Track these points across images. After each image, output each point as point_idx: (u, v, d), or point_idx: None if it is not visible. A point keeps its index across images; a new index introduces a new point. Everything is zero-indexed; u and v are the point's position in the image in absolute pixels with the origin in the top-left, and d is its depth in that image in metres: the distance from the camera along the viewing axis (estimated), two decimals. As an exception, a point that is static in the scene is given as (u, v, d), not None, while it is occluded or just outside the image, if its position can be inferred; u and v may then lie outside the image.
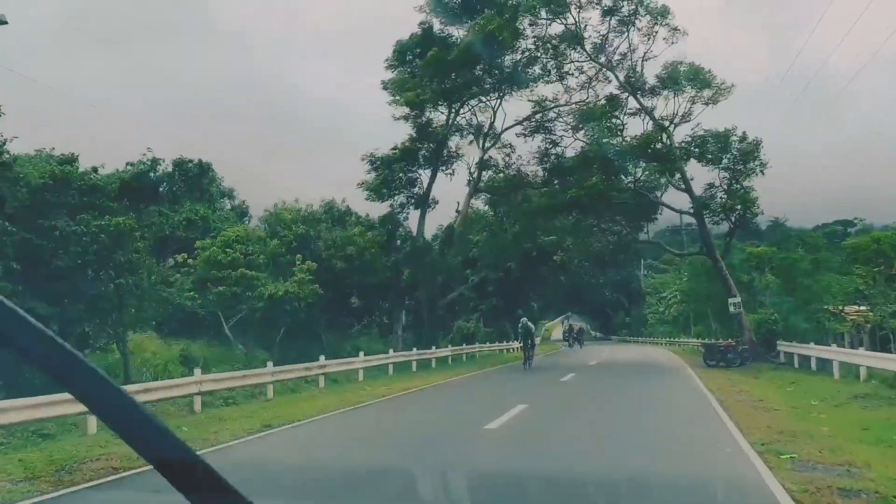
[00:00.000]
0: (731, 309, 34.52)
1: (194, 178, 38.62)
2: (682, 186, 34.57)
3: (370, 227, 35.27)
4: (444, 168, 42.17)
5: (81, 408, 7.60)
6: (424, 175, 39.23)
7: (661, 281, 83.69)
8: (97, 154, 52.85)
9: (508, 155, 43.56)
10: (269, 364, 19.51)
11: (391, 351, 28.81)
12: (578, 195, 32.96)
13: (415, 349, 32.19)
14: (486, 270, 47.53)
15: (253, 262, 25.44)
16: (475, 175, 42.93)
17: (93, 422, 12.76)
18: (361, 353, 25.71)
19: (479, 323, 66.82)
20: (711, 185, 34.57)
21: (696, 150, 33.81)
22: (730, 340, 33.97)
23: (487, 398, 18.83)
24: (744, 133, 33.57)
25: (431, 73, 35.40)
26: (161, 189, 39.26)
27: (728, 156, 33.60)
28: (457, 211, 42.99)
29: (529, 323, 32.81)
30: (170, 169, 38.75)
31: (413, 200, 38.24)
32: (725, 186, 34.12)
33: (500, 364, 36.02)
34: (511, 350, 52.61)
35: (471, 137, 43.18)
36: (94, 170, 40.21)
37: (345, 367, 24.52)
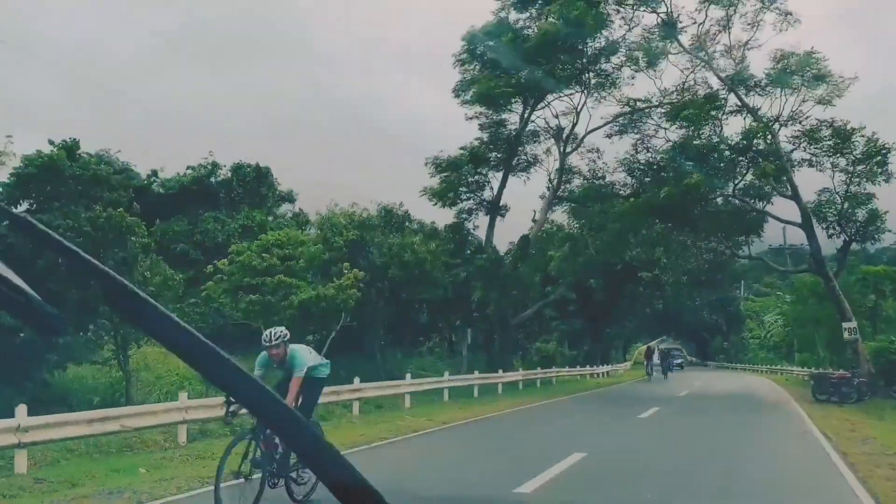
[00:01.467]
0: (846, 335, 29.83)
1: (251, 184, 36.54)
2: (788, 192, 30.12)
3: (432, 234, 32.25)
4: (517, 173, 38.89)
5: None
6: (496, 181, 35.99)
7: (762, 304, 77.75)
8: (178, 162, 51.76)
9: (593, 161, 39.90)
10: (286, 386, 16.57)
11: (446, 374, 25.59)
12: (672, 195, 28.91)
13: (476, 372, 28.85)
14: (565, 288, 43.74)
15: (292, 269, 22.71)
16: (554, 182, 39.45)
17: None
18: (408, 376, 22.59)
19: (562, 345, 62.95)
20: (825, 190, 30.00)
21: (809, 143, 29.35)
22: (843, 371, 29.28)
23: (539, 440, 15.22)
24: (873, 134, 28.98)
25: (506, 64, 32.16)
26: (222, 195, 37.47)
27: (849, 156, 28.99)
28: (533, 220, 39.56)
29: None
30: (229, 175, 36.91)
31: (483, 206, 35.02)
32: (842, 191, 29.46)
33: (577, 392, 32.23)
34: (596, 375, 48.64)
35: (549, 143, 39.87)
36: (154, 173, 39.36)
37: (388, 391, 21.45)
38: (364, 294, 28.39)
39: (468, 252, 32.80)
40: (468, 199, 35.06)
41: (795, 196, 30.06)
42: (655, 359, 57.24)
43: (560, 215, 44.12)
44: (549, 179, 39.54)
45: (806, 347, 50.78)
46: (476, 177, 34.95)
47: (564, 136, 38.88)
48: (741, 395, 29.76)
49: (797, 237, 65.33)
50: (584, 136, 39.09)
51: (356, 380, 19.56)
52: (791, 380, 45.62)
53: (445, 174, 33.33)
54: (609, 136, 37.06)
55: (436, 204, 33.61)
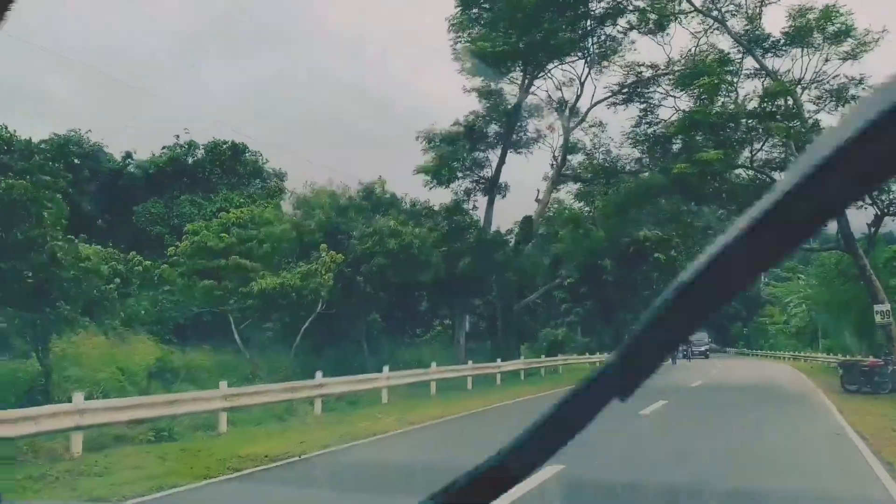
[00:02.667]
0: (878, 319, 27.06)
1: (228, 162, 34.14)
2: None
3: (426, 214, 29.68)
4: (519, 149, 36.26)
5: None
6: (495, 158, 33.36)
7: (784, 289, 74.78)
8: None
9: (597, 136, 37.25)
10: (223, 385, 14.14)
11: (433, 365, 23.13)
12: (683, 172, 26.15)
13: (470, 362, 26.37)
14: (573, 271, 41.08)
15: (252, 251, 20.26)
16: (558, 158, 36.83)
17: None
18: (385, 368, 20.10)
19: (573, 331, 60.16)
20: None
21: (836, 103, 26.43)
22: (876, 359, 26.51)
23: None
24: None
25: (505, 23, 29.44)
26: (200, 175, 35.15)
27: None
28: (536, 200, 36.94)
29: None
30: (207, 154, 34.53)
31: (482, 184, 32.41)
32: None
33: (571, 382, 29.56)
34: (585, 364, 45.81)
35: (552, 118, 37.21)
36: (129, 155, 37.06)
37: (361, 385, 19.01)
38: (348, 279, 26.07)
39: (465, 234, 30.16)
40: (465, 177, 32.46)
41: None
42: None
43: (566, 195, 41.57)
44: (553, 156, 36.97)
45: (832, 333, 47.87)
46: (474, 153, 32.31)
47: (568, 108, 36.27)
48: (761, 386, 27.03)
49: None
50: (589, 109, 36.55)
51: (318, 374, 17.11)
52: (816, 367, 42.71)
53: (440, 149, 30.69)
54: (613, 105, 34.35)
55: (430, 184, 31.05)
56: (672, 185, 28.36)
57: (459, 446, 12.37)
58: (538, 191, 36.85)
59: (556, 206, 41.36)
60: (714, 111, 26.31)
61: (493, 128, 32.10)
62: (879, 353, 33.83)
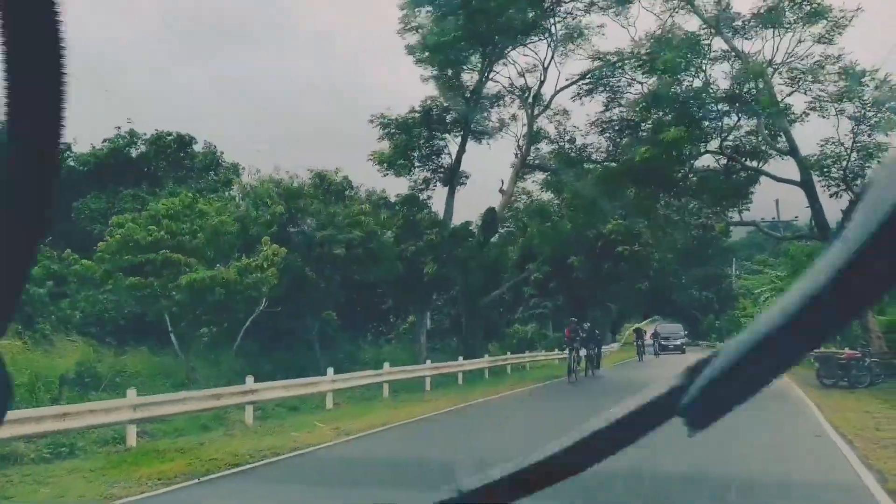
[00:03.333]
0: (854, 308, 25.90)
1: (174, 155, 32.26)
2: (785, 145, 26.06)
3: (377, 205, 28.05)
4: (481, 138, 34.78)
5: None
6: (455, 146, 31.78)
7: (755, 282, 74.06)
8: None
9: (561, 123, 35.90)
10: (132, 393, 12.45)
11: (386, 366, 21.54)
12: (652, 156, 24.72)
13: (429, 361, 24.86)
14: (541, 265, 39.68)
15: (184, 243, 18.56)
16: (522, 148, 35.40)
17: None
18: (329, 371, 18.45)
19: (544, 327, 58.83)
20: (829, 141, 25.83)
21: (812, 82, 25.18)
22: (852, 350, 25.40)
23: (436, 469, 10.81)
24: (886, 76, 24.70)
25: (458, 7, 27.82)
26: (145, 169, 33.26)
27: (857, 102, 24.75)
28: (501, 191, 35.43)
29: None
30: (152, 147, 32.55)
31: (440, 174, 30.82)
32: (849, 142, 25.27)
33: (547, 379, 28.14)
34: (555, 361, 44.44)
35: (516, 107, 35.78)
36: (68, 147, 35.00)
37: (301, 390, 17.37)
38: (297, 274, 24.46)
39: (421, 227, 28.52)
40: (423, 166, 30.87)
41: (793, 150, 26.02)
42: (648, 339, 54.47)
43: (532, 185, 40.19)
44: (518, 146, 35.55)
45: (804, 324, 46.97)
46: (432, 141, 30.72)
47: (531, 96, 34.86)
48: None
49: (788, 213, 61.42)
50: (553, 96, 35.16)
51: (248, 379, 15.45)
52: (789, 360, 41.66)
53: (395, 137, 29.04)
54: (578, 95, 32.95)
55: (386, 173, 29.42)
56: (639, 172, 26.96)
57: (387, 466, 10.74)
58: (502, 181, 35.41)
59: (522, 197, 39.94)
60: (679, 91, 24.85)
61: (453, 114, 30.45)
62: (855, 345, 32.86)
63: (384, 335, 39.22)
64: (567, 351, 27.19)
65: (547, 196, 40.75)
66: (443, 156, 30.88)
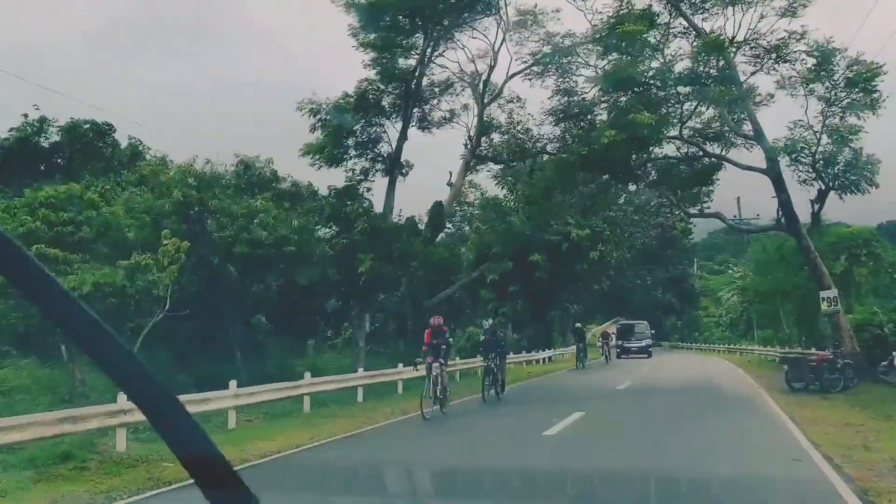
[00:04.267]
0: (824, 306, 23.98)
1: (91, 145, 29.39)
2: (749, 130, 24.01)
3: (303, 196, 25.40)
4: (426, 126, 32.46)
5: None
6: (397, 132, 29.26)
7: (716, 282, 72.83)
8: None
9: (514, 112, 33.68)
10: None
11: (307, 376, 19.00)
12: (613, 142, 22.39)
13: (361, 369, 22.39)
14: (493, 264, 37.38)
15: (63, 236, 15.88)
16: (473, 138, 33.11)
17: None
18: (232, 384, 15.85)
19: (504, 329, 56.59)
20: (797, 124, 23.80)
21: (776, 61, 23.07)
22: (824, 352, 23.44)
23: None
24: (857, 55, 22.67)
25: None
26: (58, 160, 30.36)
27: (828, 82, 22.66)
28: (449, 184, 33.10)
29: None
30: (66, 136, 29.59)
31: (382, 164, 28.31)
32: (819, 125, 23.17)
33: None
34: (534, 362, 42.24)
35: (467, 95, 33.48)
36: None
37: (193, 408, 14.75)
38: (212, 273, 21.88)
39: (354, 218, 25.94)
40: (361, 155, 28.35)
41: (758, 135, 23.99)
42: (613, 340, 51.48)
43: (485, 178, 37.93)
44: (469, 136, 33.24)
45: (768, 323, 45.30)
46: (370, 128, 28.23)
47: (482, 81, 32.58)
48: (698, 387, 23.66)
49: (750, 210, 59.75)
50: (504, 83, 32.91)
51: (121, 396, 12.84)
52: (753, 361, 39.91)
53: (328, 124, 26.42)
54: (529, 78, 30.71)
55: (317, 164, 26.82)
56: (598, 161, 24.72)
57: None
58: (450, 173, 33.08)
59: (473, 190, 37.69)
60: (637, 71, 22.53)
61: (392, 98, 27.91)
62: (822, 345, 31.07)
63: (332, 340, 36.73)
64: (426, 368, 17.35)
65: (501, 191, 38.64)
66: (382, 144, 28.38)
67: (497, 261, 37.11)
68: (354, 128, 26.84)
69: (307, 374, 18.93)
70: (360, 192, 27.74)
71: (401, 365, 25.11)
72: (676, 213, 31.90)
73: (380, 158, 28.09)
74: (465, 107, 33.59)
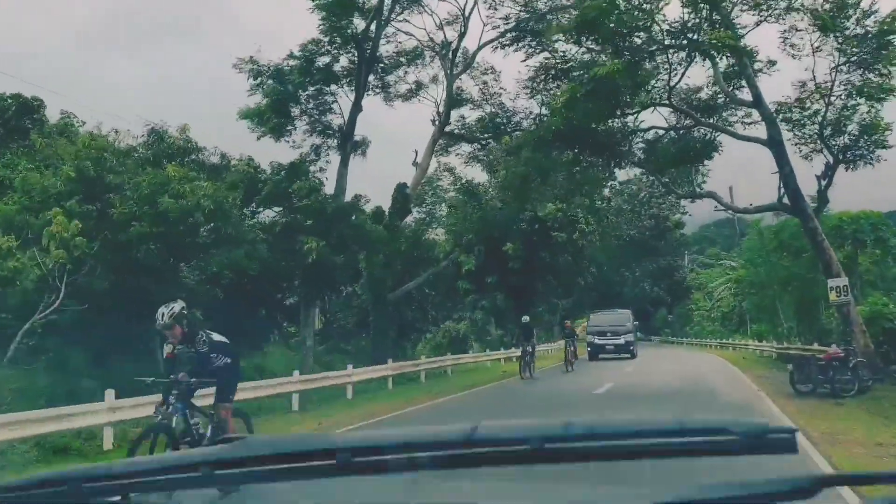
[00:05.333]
0: (832, 296, 20.91)
1: (14, 121, 26.01)
2: (743, 88, 20.90)
3: (226, 170, 22.10)
4: (390, 98, 29.36)
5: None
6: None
7: (707, 275, 70.04)
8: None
9: (486, 84, 30.62)
10: None
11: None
12: (572, 98, 19.19)
13: (297, 373, 19.19)
14: (463, 251, 34.33)
15: None
16: (442, 113, 30.01)
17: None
18: (108, 395, 12.66)
19: (487, 322, 53.50)
20: (804, 85, 20.65)
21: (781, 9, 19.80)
22: (834, 349, 20.40)
23: None
24: (871, 4, 19.46)
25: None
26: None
27: (844, 33, 19.40)
28: (414, 164, 29.96)
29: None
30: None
31: (335, 138, 25.06)
32: (830, 86, 19.96)
33: (459, 391, 22.54)
34: (513, 359, 38.83)
35: (436, 67, 30.38)
36: None
37: (58, 425, 11.60)
38: (121, 261, 18.67)
39: (304, 200, 22.70)
40: (314, 129, 25.11)
41: (757, 100, 20.88)
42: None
43: (457, 160, 34.90)
44: (437, 111, 30.12)
45: (764, 317, 42.30)
46: (322, 97, 24.99)
47: (451, 50, 29.49)
48: (689, 390, 20.55)
49: (744, 201, 56.67)
50: (476, 51, 29.84)
51: None
52: (749, 358, 36.89)
53: (269, 89, 23.11)
54: (502, 45, 27.63)
55: (259, 131, 23.56)
56: (575, 134, 21.57)
57: None
58: (416, 153, 29.94)
59: (446, 175, 34.68)
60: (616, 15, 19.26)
61: (345, 62, 24.64)
62: (827, 340, 28.14)
63: (294, 337, 33.64)
64: None
65: (474, 172, 35.60)
66: (334, 116, 25.15)
67: (469, 249, 34.10)
68: (300, 93, 23.55)
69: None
70: (310, 172, 24.44)
71: (350, 366, 21.95)
72: (670, 197, 28.77)
73: (330, 132, 24.85)
74: (435, 79, 30.49)
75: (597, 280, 67.96)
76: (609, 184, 45.55)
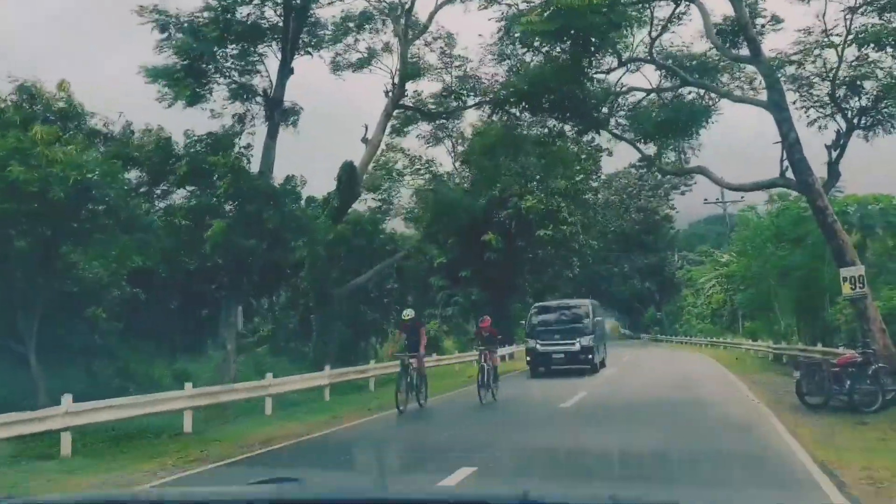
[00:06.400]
0: (846, 288, 17.36)
1: None
2: (744, 47, 17.43)
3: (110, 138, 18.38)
4: (336, 67, 25.86)
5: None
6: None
7: (697, 272, 66.87)
8: None
9: (444, 51, 27.21)
10: None
11: (65, 400, 12.18)
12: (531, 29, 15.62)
13: (189, 386, 15.48)
14: (424, 242, 30.83)
15: None
16: (396, 84, 26.48)
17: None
18: None
19: (465, 320, 49.93)
20: (809, 33, 17.13)
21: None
22: (851, 351, 16.93)
23: None
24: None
25: None
26: None
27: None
28: (364, 141, 26.33)
29: None
30: None
31: (263, 104, 21.39)
32: (844, 34, 16.50)
33: (370, 411, 18.80)
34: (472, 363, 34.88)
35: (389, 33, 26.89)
36: None
37: None
38: None
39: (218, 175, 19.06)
40: (235, 95, 21.44)
41: (755, 55, 17.34)
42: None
43: (416, 142, 31.48)
44: (392, 82, 26.56)
45: (757, 313, 38.91)
46: (246, 58, 21.31)
47: (404, 11, 25.96)
48: (678, 401, 16.96)
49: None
50: (434, 11, 26.35)
51: None
52: (742, 359, 33.45)
53: (179, 43, 19.40)
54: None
55: (167, 98, 19.86)
56: (541, 93, 18.07)
57: None
58: (366, 127, 26.35)
59: (396, 151, 31.21)
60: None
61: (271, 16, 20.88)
62: (832, 340, 24.81)
63: (247, 338, 30.10)
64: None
65: (435, 152, 32.14)
66: (262, 79, 21.43)
67: (432, 238, 30.62)
68: (218, 52, 19.87)
69: (66, 399, 12.09)
70: (235, 145, 20.73)
71: (269, 375, 18.29)
72: (653, 171, 25.34)
73: (255, 98, 21.18)
74: (387, 46, 26.92)
75: (583, 274, 64.38)
76: (593, 168, 42.43)
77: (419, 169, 33.49)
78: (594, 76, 18.48)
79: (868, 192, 27.06)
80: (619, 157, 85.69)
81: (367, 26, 26.30)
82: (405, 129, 29.59)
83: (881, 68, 16.81)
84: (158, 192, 20.58)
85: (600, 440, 11.89)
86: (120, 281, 20.52)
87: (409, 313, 18.07)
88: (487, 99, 24.13)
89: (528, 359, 27.90)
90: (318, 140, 51.27)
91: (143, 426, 14.28)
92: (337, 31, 25.38)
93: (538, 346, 27.12)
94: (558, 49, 16.12)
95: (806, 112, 18.09)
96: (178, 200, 20.62)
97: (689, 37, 20.89)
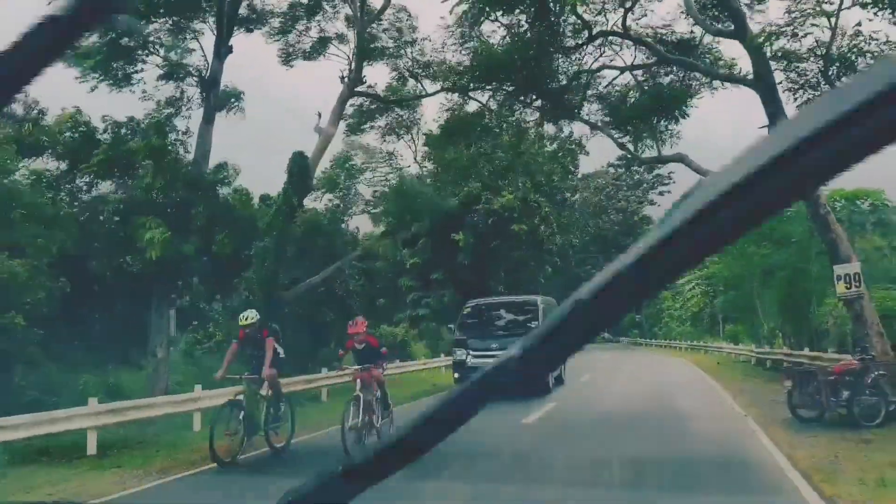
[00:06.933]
0: (841, 287, 15.65)
1: None
2: (725, 21, 15.71)
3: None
4: (288, 55, 23.97)
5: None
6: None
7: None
8: None
9: (403, 33, 25.37)
10: None
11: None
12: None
13: (93, 401, 13.42)
14: (388, 239, 28.96)
15: None
16: (353, 70, 24.56)
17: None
18: None
19: (439, 323, 48.05)
20: (796, 6, 15.32)
21: None
22: (849, 358, 15.14)
23: None
24: None
25: None
26: None
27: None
28: (317, 130, 24.38)
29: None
30: None
31: (195, 85, 19.38)
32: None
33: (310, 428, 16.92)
34: (440, 369, 32.56)
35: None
36: None
37: None
38: None
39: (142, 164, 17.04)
40: (172, 76, 19.44)
41: (739, 29, 15.58)
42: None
43: (373, 136, 29.63)
44: (350, 67, 24.65)
45: (739, 316, 37.33)
46: (180, 35, 19.31)
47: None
48: (654, 416, 15.11)
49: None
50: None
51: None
52: (724, 364, 31.78)
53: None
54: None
55: (90, 77, 17.81)
56: (502, 72, 16.25)
57: None
58: (319, 115, 24.40)
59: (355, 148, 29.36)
60: None
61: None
62: (821, 344, 23.16)
63: (205, 345, 28.01)
64: None
65: (396, 148, 30.39)
66: (194, 60, 19.44)
67: (393, 231, 28.76)
68: (142, 26, 17.84)
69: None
70: (167, 133, 18.68)
71: (198, 386, 16.28)
72: (630, 161, 23.70)
73: (181, 74, 19.16)
74: (342, 37, 25.02)
75: (560, 276, 62.75)
76: (571, 163, 40.77)
77: (380, 162, 31.60)
78: (562, 50, 16.62)
79: (857, 186, 25.42)
80: (595, 156, 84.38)
81: (318, 11, 24.47)
82: (361, 127, 27.77)
83: (875, 40, 15.10)
84: (83, 184, 18.52)
85: (564, 473, 9.95)
86: (41, 277, 18.40)
87: (250, 315, 11.95)
88: (449, 85, 22.26)
89: (456, 375, 22.11)
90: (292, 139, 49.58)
91: (45, 446, 12.35)
92: (285, 19, 23.55)
93: (468, 359, 21.28)
94: (519, 19, 14.23)
95: (794, 95, 16.34)
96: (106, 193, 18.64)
97: (668, 15, 19.07)
